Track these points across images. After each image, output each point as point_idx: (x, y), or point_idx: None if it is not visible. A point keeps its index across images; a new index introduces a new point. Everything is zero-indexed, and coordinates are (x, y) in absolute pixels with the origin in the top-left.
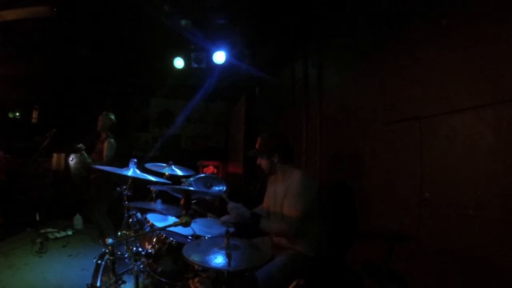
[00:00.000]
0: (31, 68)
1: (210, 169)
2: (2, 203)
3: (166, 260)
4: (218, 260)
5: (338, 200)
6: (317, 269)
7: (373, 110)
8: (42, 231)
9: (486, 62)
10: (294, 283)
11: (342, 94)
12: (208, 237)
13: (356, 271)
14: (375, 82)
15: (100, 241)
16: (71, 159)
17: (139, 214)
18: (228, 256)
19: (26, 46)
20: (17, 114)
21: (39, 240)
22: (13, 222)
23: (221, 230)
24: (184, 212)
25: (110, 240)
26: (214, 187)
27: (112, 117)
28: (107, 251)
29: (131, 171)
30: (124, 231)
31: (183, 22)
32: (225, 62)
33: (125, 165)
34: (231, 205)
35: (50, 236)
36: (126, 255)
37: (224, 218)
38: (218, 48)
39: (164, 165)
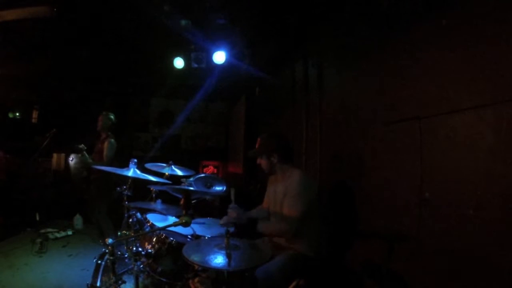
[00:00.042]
0: (31, 68)
1: (210, 169)
2: (2, 203)
3: (166, 260)
4: (218, 260)
5: (338, 200)
6: (317, 269)
7: (373, 110)
8: (42, 231)
9: (486, 62)
10: (294, 283)
11: (342, 94)
12: (208, 237)
13: (356, 271)
14: (375, 82)
15: (100, 241)
16: (71, 159)
17: (139, 214)
18: (228, 256)
19: (26, 46)
20: (17, 114)
21: (39, 240)
22: (13, 222)
23: (221, 230)
24: (184, 212)
25: (110, 240)
26: (214, 187)
27: (112, 117)
28: (107, 251)
29: (131, 171)
30: (124, 231)
31: (183, 22)
32: (225, 62)
33: (125, 165)
34: (231, 205)
35: (50, 236)
36: (126, 255)
37: (224, 219)
38: (218, 48)
39: (164, 165)
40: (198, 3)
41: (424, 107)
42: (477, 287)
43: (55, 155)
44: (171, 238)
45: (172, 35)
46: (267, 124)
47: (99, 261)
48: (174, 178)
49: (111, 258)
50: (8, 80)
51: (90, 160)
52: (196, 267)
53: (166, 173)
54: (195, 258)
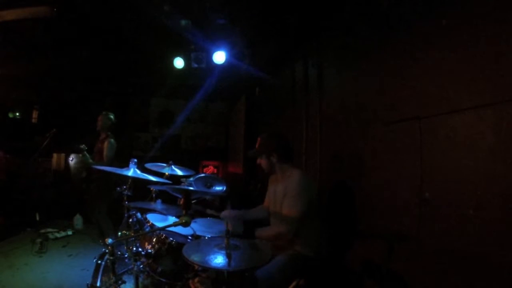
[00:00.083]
0: (31, 68)
1: (210, 169)
2: (2, 203)
3: (166, 260)
4: (218, 260)
5: (338, 200)
6: (317, 269)
7: (373, 110)
8: (42, 231)
9: (486, 62)
10: (294, 283)
11: (342, 94)
12: (208, 237)
13: (356, 271)
14: (375, 82)
15: (100, 241)
16: (71, 159)
17: (139, 214)
18: (228, 256)
19: (26, 46)
20: (17, 114)
21: (39, 240)
22: (13, 222)
23: (221, 229)
24: (184, 212)
25: (110, 240)
26: (214, 187)
27: (112, 117)
28: (107, 251)
29: (131, 171)
30: (124, 231)
31: (183, 22)
32: (225, 62)
33: (125, 165)
34: (224, 213)
35: (50, 236)
36: (126, 255)
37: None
38: (218, 48)
39: (164, 165)
40: (198, 3)
41: (424, 107)
42: (477, 287)
43: (55, 155)
44: (171, 238)
45: (172, 35)
46: (267, 124)
47: (99, 261)
48: (174, 178)
49: (111, 258)
50: (8, 80)
51: (91, 160)
52: (196, 267)
53: (166, 173)
54: (195, 258)
